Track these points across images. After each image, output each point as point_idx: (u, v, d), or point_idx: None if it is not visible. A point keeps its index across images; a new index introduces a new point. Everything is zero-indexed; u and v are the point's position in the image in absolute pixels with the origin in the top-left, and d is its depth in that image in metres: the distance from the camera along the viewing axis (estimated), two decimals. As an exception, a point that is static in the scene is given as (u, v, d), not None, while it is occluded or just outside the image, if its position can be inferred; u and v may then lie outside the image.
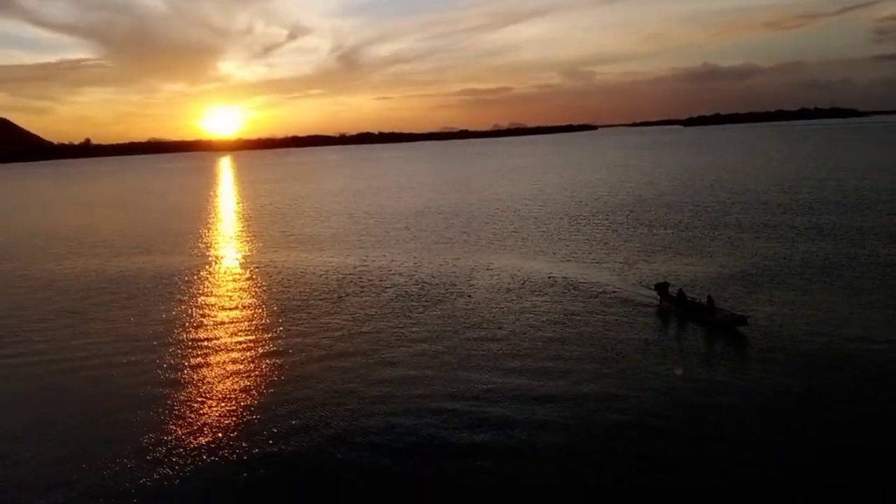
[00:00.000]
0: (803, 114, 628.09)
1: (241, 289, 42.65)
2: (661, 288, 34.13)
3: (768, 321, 29.89)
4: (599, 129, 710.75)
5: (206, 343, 31.21)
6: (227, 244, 62.66)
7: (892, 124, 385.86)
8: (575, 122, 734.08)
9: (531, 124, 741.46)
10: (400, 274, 43.99)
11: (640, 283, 38.24)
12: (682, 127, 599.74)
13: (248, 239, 64.69)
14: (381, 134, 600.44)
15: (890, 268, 38.96)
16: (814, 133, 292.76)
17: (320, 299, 38.26)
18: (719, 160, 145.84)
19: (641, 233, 55.57)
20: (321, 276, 44.76)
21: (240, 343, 30.99)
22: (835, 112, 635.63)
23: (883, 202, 65.24)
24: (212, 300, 39.89)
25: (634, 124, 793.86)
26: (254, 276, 45.95)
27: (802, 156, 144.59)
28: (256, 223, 76.87)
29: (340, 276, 44.39)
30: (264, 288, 42.16)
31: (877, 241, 47.00)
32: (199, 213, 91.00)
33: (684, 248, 48.09)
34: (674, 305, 32.53)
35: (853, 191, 75.51)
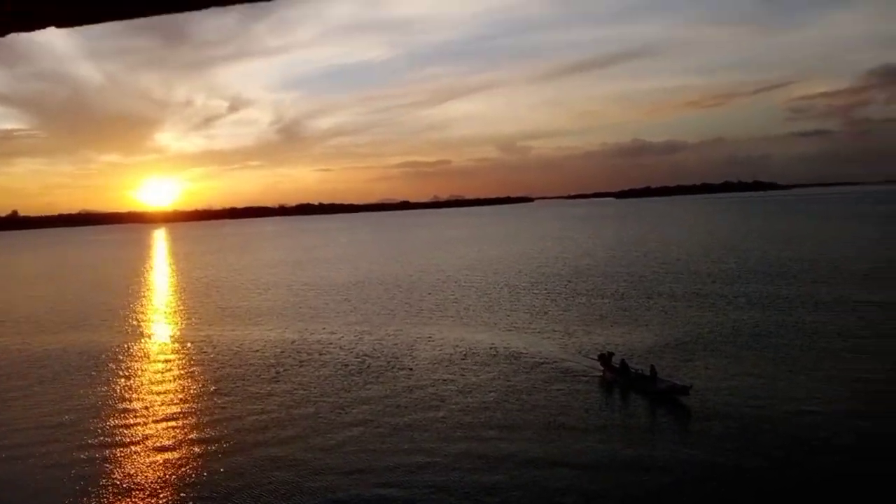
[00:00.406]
0: (727, 187, 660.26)
1: (172, 366, 41.07)
2: (604, 358, 34.33)
3: (707, 390, 30.41)
4: (536, 201, 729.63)
5: (133, 427, 29.73)
6: (159, 319, 60.64)
7: (808, 197, 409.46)
8: (512, 195, 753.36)
9: (470, 196, 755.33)
10: (340, 347, 43.28)
11: (581, 352, 38.63)
12: (614, 199, 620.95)
13: (181, 313, 62.80)
14: (321, 205, 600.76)
15: (813, 335, 40.52)
16: (737, 205, 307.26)
17: (257, 376, 37.15)
18: (651, 231, 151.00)
19: (580, 302, 56.50)
20: (258, 351, 43.61)
21: (169, 427, 29.63)
22: (756, 185, 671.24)
23: (804, 271, 68.34)
24: (141, 379, 38.25)
25: (569, 196, 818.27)
26: (186, 353, 44.40)
27: (728, 227, 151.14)
28: (190, 297, 74.83)
29: (278, 350, 43.35)
30: (197, 365, 40.72)
31: (801, 308, 48.96)
32: (129, 287, 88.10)
33: (621, 318, 49.03)
34: (617, 376, 32.74)
35: (776, 260, 78.99)
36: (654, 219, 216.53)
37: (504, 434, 26.22)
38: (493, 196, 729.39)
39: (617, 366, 33.30)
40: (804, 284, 59.67)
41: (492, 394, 31.51)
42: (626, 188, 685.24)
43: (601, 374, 33.87)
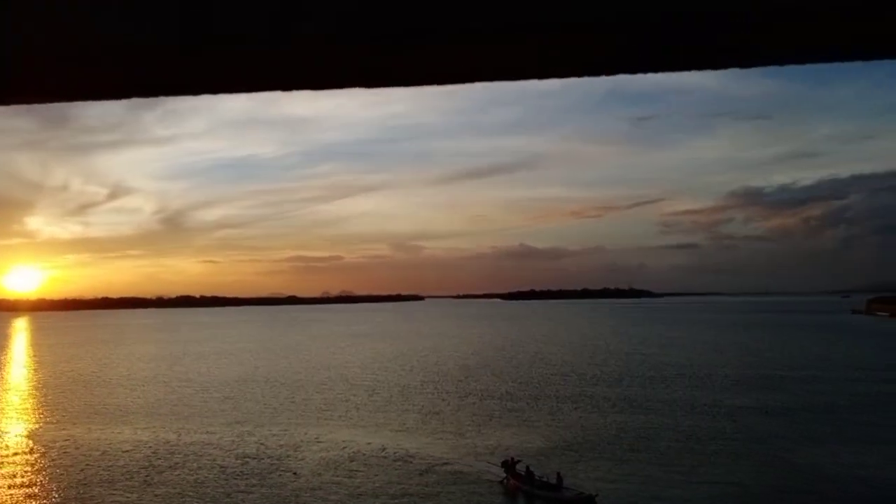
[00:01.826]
0: (606, 293, 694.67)
1: (29, 470, 37.03)
2: (508, 465, 33.22)
3: (605, 497, 30.46)
4: (426, 300, 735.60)
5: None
6: (15, 417, 54.97)
7: (679, 304, 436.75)
8: (403, 292, 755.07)
9: (361, 292, 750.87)
10: (220, 448, 40.65)
11: (475, 455, 38.16)
12: (501, 300, 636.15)
13: (41, 410, 57.26)
14: (203, 298, 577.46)
15: (691, 438, 42.15)
16: (616, 310, 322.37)
17: (126, 481, 34.08)
18: (537, 333, 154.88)
19: (471, 402, 56.36)
20: (128, 452, 40.18)
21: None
22: (632, 292, 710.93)
23: (680, 376, 71.78)
24: (-12, 484, 34.14)
25: (459, 296, 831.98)
26: (46, 455, 40.23)
27: (608, 331, 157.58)
28: (53, 392, 68.58)
29: (150, 451, 40.13)
30: (58, 469, 36.92)
31: (679, 411, 51.07)
32: (-18, 380, 79.81)
33: (511, 419, 49.20)
34: (521, 483, 31.78)
35: (654, 365, 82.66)
36: (539, 320, 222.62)
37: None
38: (385, 293, 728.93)
39: (522, 473, 32.32)
40: (680, 388, 62.52)
41: (382, 498, 30.34)
42: (514, 290, 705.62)
43: (503, 480, 32.83)
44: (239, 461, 37.47)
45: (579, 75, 2.09)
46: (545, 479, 31.67)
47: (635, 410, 51.68)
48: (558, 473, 31.58)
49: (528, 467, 32.80)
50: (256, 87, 2.15)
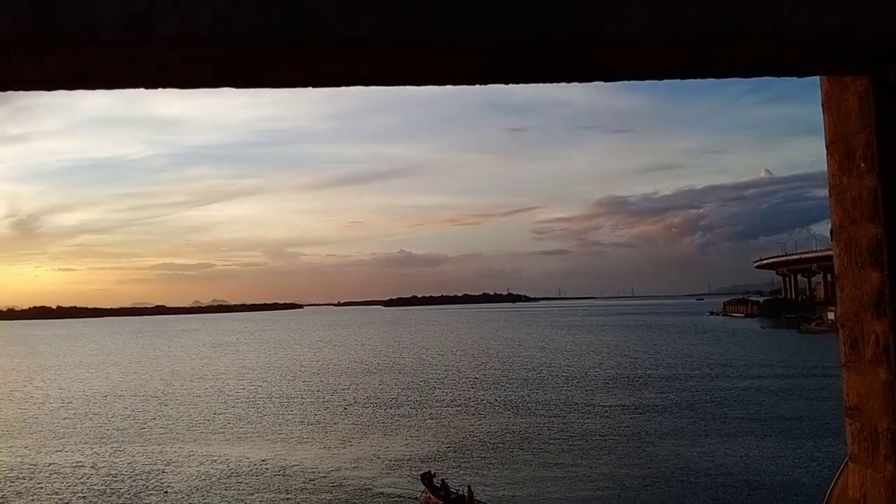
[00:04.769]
0: (485, 298, 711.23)
1: None
2: (427, 478, 31.64)
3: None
4: (305, 307, 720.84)
5: None
6: None
7: (553, 308, 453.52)
8: (281, 300, 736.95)
9: (235, 301, 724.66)
10: (81, 469, 37.47)
11: (361, 465, 37.43)
12: (383, 307, 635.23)
13: None
14: (60, 308, 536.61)
15: (577, 437, 43.53)
16: (495, 315, 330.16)
17: (-30, 510, 30.70)
18: (418, 338, 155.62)
19: (355, 411, 55.48)
20: (-27, 479, 36.25)
21: None
22: (510, 297, 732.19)
23: (558, 377, 74.23)
24: None
25: (339, 304, 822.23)
26: None
27: (488, 335, 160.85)
28: None
29: (6, 473, 36.37)
30: None
31: (557, 411, 52.69)
32: None
33: (397, 426, 48.81)
34: (437, 498, 30.31)
35: (534, 366, 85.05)
36: (421, 325, 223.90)
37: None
38: (261, 302, 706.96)
39: (438, 486, 30.86)
40: (558, 389, 64.59)
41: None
42: (395, 296, 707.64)
43: (422, 495, 31.31)
44: (103, 482, 34.71)
45: (455, 84, 2.18)
46: (459, 492, 30.23)
47: (517, 412, 52.78)
48: (469, 486, 30.37)
49: (443, 480, 31.39)
50: (116, 84, 2.05)
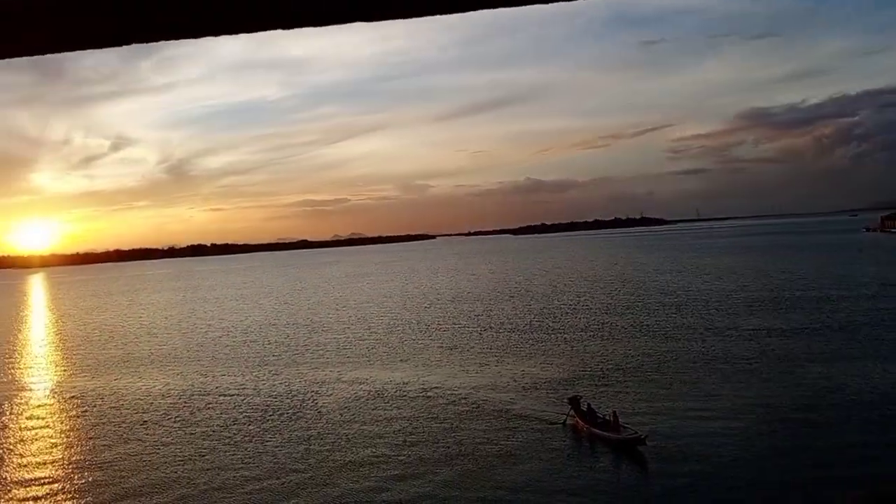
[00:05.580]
0: (617, 222, 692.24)
1: (66, 417, 37.74)
2: (574, 402, 31.27)
3: (660, 435, 28.36)
4: (437, 238, 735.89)
5: (10, 490, 26.87)
6: (46, 369, 55.90)
7: (693, 230, 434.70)
8: (413, 232, 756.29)
9: (371, 234, 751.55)
10: (242, 392, 41.08)
11: (500, 388, 38.35)
12: (512, 236, 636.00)
13: (70, 362, 58.18)
14: (213, 246, 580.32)
15: (719, 360, 42.13)
16: (629, 239, 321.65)
17: (163, 422, 34.66)
18: (550, 265, 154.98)
19: (491, 336, 56.63)
20: (159, 396, 40.80)
21: (59, 488, 26.99)
22: (644, 221, 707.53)
23: (697, 300, 71.70)
24: (19, 435, 34.81)
25: (469, 234, 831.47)
26: (80, 402, 40.91)
27: (622, 261, 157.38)
28: (79, 344, 69.63)
29: (181, 395, 40.71)
30: (94, 414, 37.56)
31: (698, 336, 51.04)
32: (3, 338, 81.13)
33: (534, 351, 49.31)
34: (584, 422, 29.92)
35: (670, 291, 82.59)
36: (552, 253, 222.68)
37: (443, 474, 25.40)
38: (394, 234, 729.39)
39: (584, 410, 30.47)
40: (698, 314, 62.49)
41: (423, 439, 30.23)
42: (524, 224, 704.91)
43: (565, 419, 30.81)
44: (267, 400, 37.99)
45: None
46: (605, 417, 29.54)
47: (654, 337, 51.75)
48: (614, 412, 29.40)
49: (589, 404, 30.93)
50: (256, 27, 2.15)
